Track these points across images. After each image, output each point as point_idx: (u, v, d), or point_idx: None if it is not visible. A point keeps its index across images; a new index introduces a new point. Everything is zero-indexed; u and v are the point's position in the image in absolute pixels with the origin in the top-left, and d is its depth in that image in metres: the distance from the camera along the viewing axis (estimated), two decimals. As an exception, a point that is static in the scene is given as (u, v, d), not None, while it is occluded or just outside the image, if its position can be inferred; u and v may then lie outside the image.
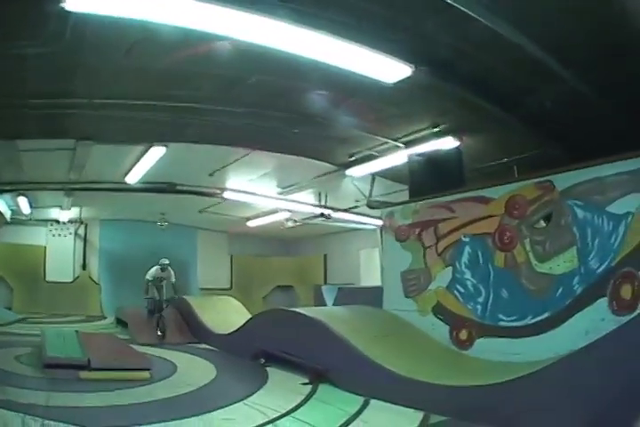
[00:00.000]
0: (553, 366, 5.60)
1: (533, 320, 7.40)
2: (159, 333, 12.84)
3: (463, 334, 8.39)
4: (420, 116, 9.07)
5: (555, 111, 7.94)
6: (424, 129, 9.56)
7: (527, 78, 7.49)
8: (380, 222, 10.97)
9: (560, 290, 7.22)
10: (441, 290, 8.95)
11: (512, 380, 5.71)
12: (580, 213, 7.18)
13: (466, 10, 5.44)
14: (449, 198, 9.09)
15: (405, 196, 10.90)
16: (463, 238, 8.68)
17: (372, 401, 6.86)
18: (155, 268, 13.84)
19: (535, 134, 9.05)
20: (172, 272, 13.85)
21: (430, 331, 8.86)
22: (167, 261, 13.89)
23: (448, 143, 9.67)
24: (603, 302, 6.64)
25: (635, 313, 6.14)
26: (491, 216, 8.22)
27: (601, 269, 6.82)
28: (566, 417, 5.20)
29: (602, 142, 7.61)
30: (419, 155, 10.04)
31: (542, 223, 7.63)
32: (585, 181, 7.15)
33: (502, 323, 7.81)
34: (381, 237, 10.54)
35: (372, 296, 10.31)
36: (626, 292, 6.47)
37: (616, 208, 6.78)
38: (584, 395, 5.20)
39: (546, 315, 7.27)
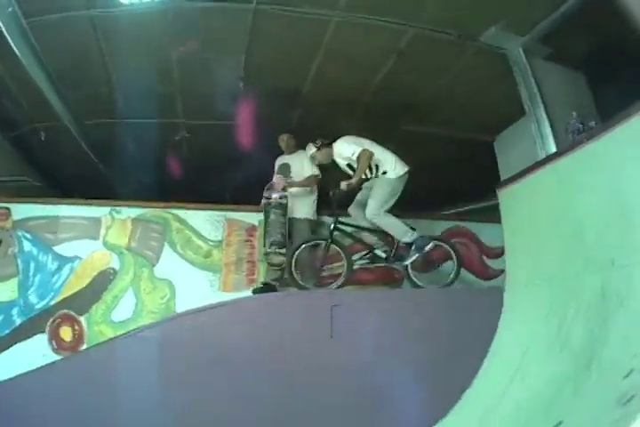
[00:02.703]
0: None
1: None
2: None
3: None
4: None
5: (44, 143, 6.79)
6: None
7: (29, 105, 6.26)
8: None
9: (1, 317, 5.93)
10: None
11: None
12: (27, 246, 5.98)
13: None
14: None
15: None
16: None
17: None
18: None
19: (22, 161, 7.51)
20: None
21: None
22: None
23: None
24: (43, 338, 5.77)
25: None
26: None
27: (40, 306, 5.85)
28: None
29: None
30: None
31: None
32: (40, 216, 6.01)
33: None
34: None
35: None
36: (65, 333, 5.74)
37: (64, 250, 5.91)
38: None
39: None
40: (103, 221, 5.94)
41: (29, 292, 5.96)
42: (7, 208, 6.17)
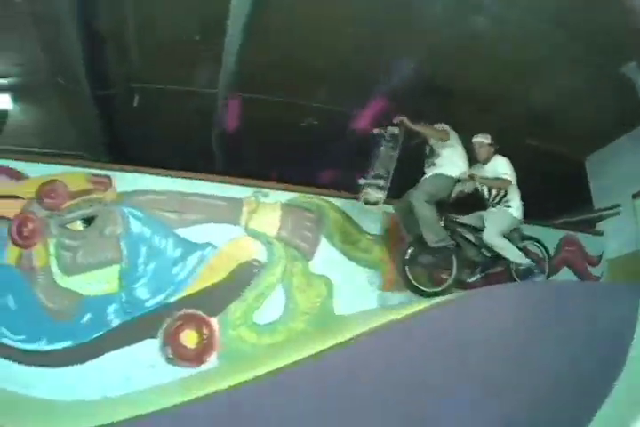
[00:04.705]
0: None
1: (50, 347, 4.16)
2: None
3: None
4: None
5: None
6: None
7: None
8: None
9: (88, 316, 4.20)
10: None
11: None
12: (136, 226, 4.34)
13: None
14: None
15: None
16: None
17: None
18: None
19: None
20: None
21: None
22: None
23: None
24: (152, 345, 4.16)
25: (199, 368, 4.19)
26: (16, 197, 4.38)
27: (153, 303, 4.25)
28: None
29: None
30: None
31: (80, 225, 4.41)
32: (156, 190, 4.42)
33: (5, 340, 4.15)
34: None
35: None
36: (189, 338, 4.19)
37: (192, 234, 4.38)
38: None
39: (67, 343, 4.15)
40: (245, 204, 4.50)
41: (137, 284, 4.30)
42: (107, 177, 4.48)
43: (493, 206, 4.63)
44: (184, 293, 4.30)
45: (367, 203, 4.46)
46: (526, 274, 4.47)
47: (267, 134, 5.22)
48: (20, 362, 4.12)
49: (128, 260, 4.31)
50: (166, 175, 4.49)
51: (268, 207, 4.54)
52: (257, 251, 4.44)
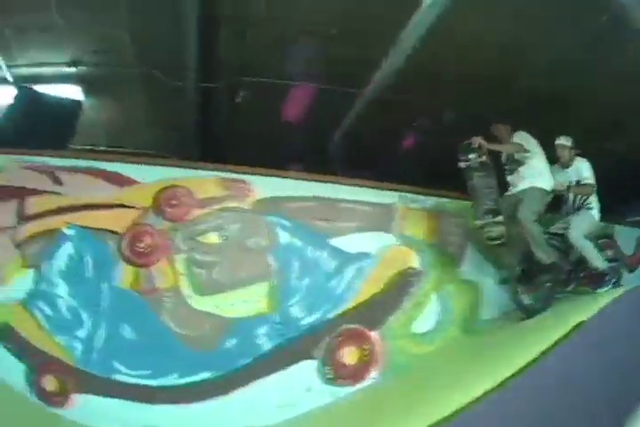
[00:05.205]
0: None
1: (183, 380, 3.62)
2: None
3: (51, 384, 3.50)
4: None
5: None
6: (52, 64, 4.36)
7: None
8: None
9: (234, 341, 3.70)
10: (14, 305, 3.59)
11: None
12: (285, 236, 3.86)
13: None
14: (59, 163, 3.68)
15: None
16: (66, 230, 3.63)
17: None
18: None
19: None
20: None
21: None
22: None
23: (74, 93, 4.59)
24: (308, 366, 3.78)
25: (358, 385, 3.83)
26: (124, 206, 3.70)
27: (309, 321, 3.81)
28: None
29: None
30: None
31: (215, 238, 3.84)
32: (304, 196, 3.94)
33: (120, 377, 3.53)
34: None
35: None
36: (350, 355, 3.82)
37: (346, 244, 3.96)
38: None
39: (206, 374, 3.64)
40: (396, 210, 4.13)
41: (291, 302, 3.83)
42: (243, 181, 3.90)
43: (576, 210, 4.62)
44: (343, 307, 3.89)
45: (491, 240, 4.08)
46: (599, 278, 4.46)
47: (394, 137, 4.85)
48: (140, 401, 3.55)
49: (279, 275, 3.82)
50: (309, 179, 4.00)
51: (418, 213, 4.20)
52: (411, 259, 4.11)
